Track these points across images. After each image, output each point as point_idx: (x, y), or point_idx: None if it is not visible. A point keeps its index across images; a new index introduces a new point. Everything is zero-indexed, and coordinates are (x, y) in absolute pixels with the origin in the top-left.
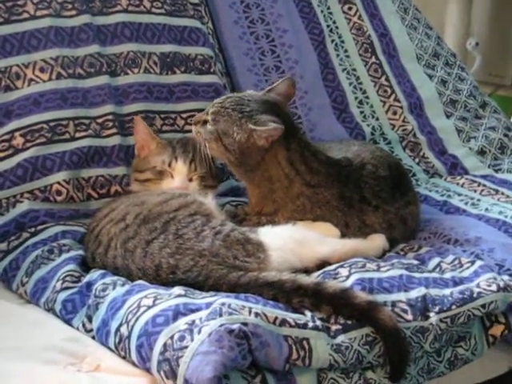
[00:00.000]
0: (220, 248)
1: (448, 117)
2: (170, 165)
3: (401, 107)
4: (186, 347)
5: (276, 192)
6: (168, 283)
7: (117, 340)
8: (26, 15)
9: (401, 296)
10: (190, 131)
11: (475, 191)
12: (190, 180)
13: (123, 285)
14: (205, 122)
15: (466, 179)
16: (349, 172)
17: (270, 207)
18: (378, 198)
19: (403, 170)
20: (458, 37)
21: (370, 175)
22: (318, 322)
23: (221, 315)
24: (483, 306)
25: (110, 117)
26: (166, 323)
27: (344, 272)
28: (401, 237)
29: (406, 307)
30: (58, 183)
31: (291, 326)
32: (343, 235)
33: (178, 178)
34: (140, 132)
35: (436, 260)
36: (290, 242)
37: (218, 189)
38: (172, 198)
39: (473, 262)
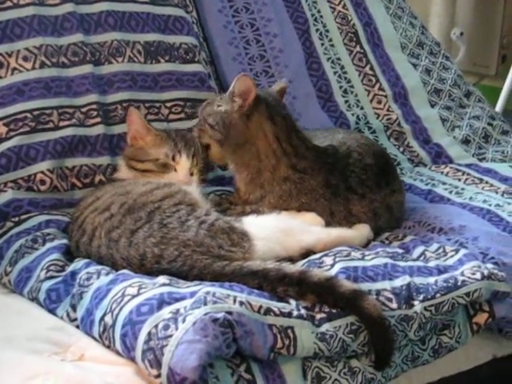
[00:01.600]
0: (205, 237)
1: (432, 106)
2: (173, 158)
3: (385, 96)
4: (171, 336)
5: (263, 173)
6: (152, 273)
7: (101, 329)
8: (9, 3)
9: (385, 284)
10: (174, 120)
11: (459, 180)
12: (191, 174)
13: (107, 274)
14: None
15: (451, 168)
16: (335, 160)
17: (258, 193)
18: (364, 187)
19: (388, 158)
20: (442, 27)
21: (356, 163)
22: (303, 311)
23: (205, 304)
24: (467, 294)
25: (94, 106)
26: (150, 312)
27: (329, 261)
28: (386, 225)
29: (390, 296)
30: (42, 172)
31: (276, 314)
32: (328, 224)
33: (182, 171)
34: (134, 123)
35: (420, 248)
36: (274, 232)
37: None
38: (157, 188)
39: (457, 251)
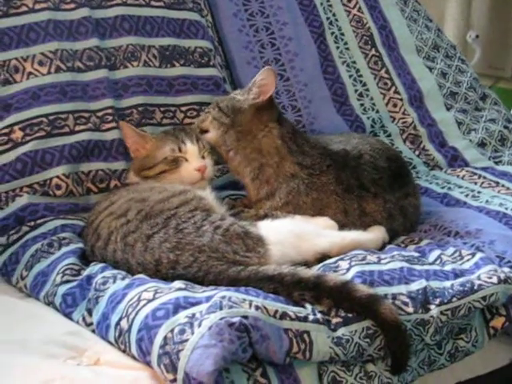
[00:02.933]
0: (220, 243)
1: (448, 109)
2: (180, 150)
3: (401, 99)
4: (187, 340)
5: (266, 169)
6: (168, 278)
7: (117, 334)
8: (24, 8)
9: (401, 288)
10: (189, 124)
11: (475, 183)
12: (203, 157)
13: (123, 278)
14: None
15: (467, 171)
16: (345, 160)
17: (265, 189)
18: (377, 186)
19: (403, 163)
20: (458, 29)
21: (368, 164)
22: (319, 315)
23: (221, 308)
24: (484, 298)
25: (110, 110)
26: (166, 317)
27: (344, 265)
28: (401, 228)
29: (406, 300)
30: (58, 177)
31: (292, 319)
32: (342, 224)
33: (193, 158)
34: (129, 136)
35: (436, 252)
36: (289, 236)
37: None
38: (173, 196)
39: (473, 254)
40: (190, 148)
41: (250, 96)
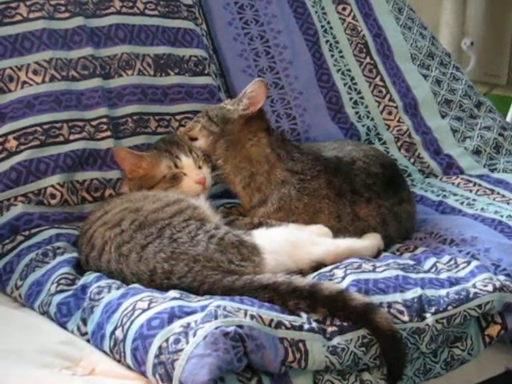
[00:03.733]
0: (214, 252)
1: (443, 117)
2: (176, 166)
3: (396, 107)
4: (181, 350)
5: (257, 178)
6: (162, 288)
7: (112, 343)
8: (18, 17)
9: (397, 297)
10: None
11: (471, 191)
12: (200, 167)
13: (118, 288)
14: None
15: (462, 179)
16: (338, 166)
17: (257, 196)
18: (370, 191)
19: (397, 170)
20: (452, 36)
21: (360, 169)
22: (314, 324)
23: (216, 318)
24: (479, 306)
25: (104, 119)
26: (161, 326)
27: (339, 273)
28: (395, 235)
29: (402, 308)
30: (52, 186)
31: (287, 328)
32: (336, 229)
33: (191, 171)
34: (125, 160)
35: (432, 260)
36: (284, 245)
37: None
38: (167, 205)
39: (469, 262)
40: (186, 162)
41: (240, 107)
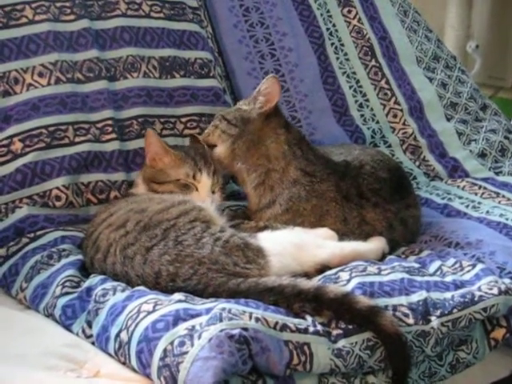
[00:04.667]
0: (220, 255)
1: (448, 120)
2: (194, 177)
3: (401, 110)
4: (186, 353)
5: (272, 174)
6: (167, 291)
7: (117, 346)
8: (24, 20)
9: (402, 300)
10: (189, 135)
11: (476, 194)
12: (213, 192)
13: (123, 290)
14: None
15: (467, 182)
16: (346, 169)
17: (268, 196)
18: (377, 196)
19: (404, 174)
20: (458, 39)
21: (368, 174)
22: (319, 327)
23: (221, 320)
24: (484, 309)
25: (110, 122)
26: (166, 329)
27: (345, 276)
28: (401, 239)
29: (407, 311)
30: (57, 188)
31: (292, 330)
32: (342, 232)
33: (204, 190)
34: (152, 145)
35: (437, 263)
36: (289, 247)
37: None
38: (172, 206)
39: (474, 266)
40: (205, 180)
41: (257, 105)
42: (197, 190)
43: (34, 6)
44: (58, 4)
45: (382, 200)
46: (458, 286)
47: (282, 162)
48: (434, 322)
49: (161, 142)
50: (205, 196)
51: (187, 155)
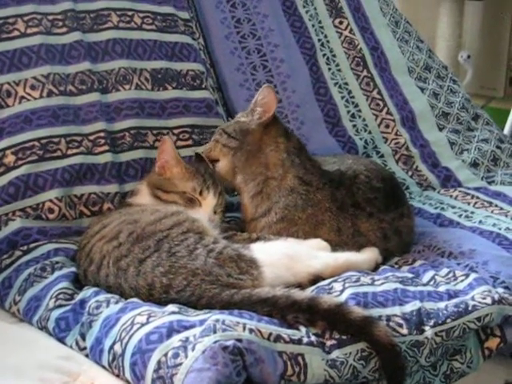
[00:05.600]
0: (213, 266)
1: (440, 129)
2: (201, 193)
3: (393, 120)
4: (180, 364)
5: (270, 182)
6: (161, 303)
7: (110, 358)
8: (16, 33)
9: (396, 310)
10: (182, 147)
11: (469, 203)
12: (215, 212)
13: (117, 302)
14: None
15: (460, 192)
16: (341, 179)
17: (264, 205)
18: (372, 206)
19: (397, 184)
20: (449, 50)
21: (363, 183)
22: (313, 338)
23: (215, 332)
24: (478, 319)
25: (102, 134)
26: (159, 340)
27: (338, 286)
28: (395, 249)
29: (400, 321)
30: (50, 201)
31: (286, 341)
32: (335, 243)
33: (207, 208)
34: (165, 153)
35: (430, 273)
36: (282, 258)
37: None
38: (165, 217)
39: (467, 275)
40: (210, 198)
41: (255, 116)
42: (200, 206)
43: (26, 19)
44: (50, 17)
45: (376, 210)
46: (451, 295)
47: (281, 170)
48: (428, 331)
49: (174, 151)
50: (208, 214)
51: (197, 171)
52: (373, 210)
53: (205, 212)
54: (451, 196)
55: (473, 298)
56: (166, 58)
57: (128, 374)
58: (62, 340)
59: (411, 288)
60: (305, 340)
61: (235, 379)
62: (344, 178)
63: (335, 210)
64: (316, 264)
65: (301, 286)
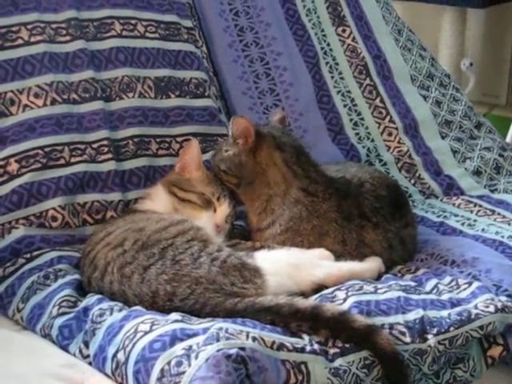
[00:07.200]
0: (217, 275)
1: (443, 137)
2: (218, 199)
3: (396, 128)
4: (184, 373)
5: (274, 199)
6: (164, 310)
7: (114, 366)
8: (20, 41)
9: (398, 318)
10: None
11: (471, 212)
12: (226, 222)
13: (120, 310)
14: None
15: (462, 200)
16: (347, 188)
17: (269, 219)
18: (379, 215)
19: (401, 192)
20: (452, 57)
21: (369, 192)
22: (316, 346)
23: (218, 340)
24: (481, 327)
25: (105, 142)
26: (163, 348)
27: (341, 295)
28: (399, 259)
29: (403, 329)
30: (54, 209)
31: (289, 350)
32: (339, 254)
33: (221, 215)
34: (189, 156)
35: (433, 281)
36: (285, 266)
37: None
38: (170, 225)
39: (470, 283)
40: (225, 207)
41: (240, 147)
42: (215, 211)
43: (29, 27)
44: (54, 25)
45: (382, 219)
46: (454, 304)
47: (283, 186)
48: (431, 340)
49: (199, 155)
50: (219, 220)
51: (216, 180)
52: (379, 219)
53: (219, 218)
54: (454, 204)
55: (476, 307)
56: (169, 66)
57: (131, 382)
58: (65, 348)
59: (414, 296)
60: (308, 348)
61: None
62: (350, 187)
63: (341, 221)
64: (319, 273)
65: (304, 294)
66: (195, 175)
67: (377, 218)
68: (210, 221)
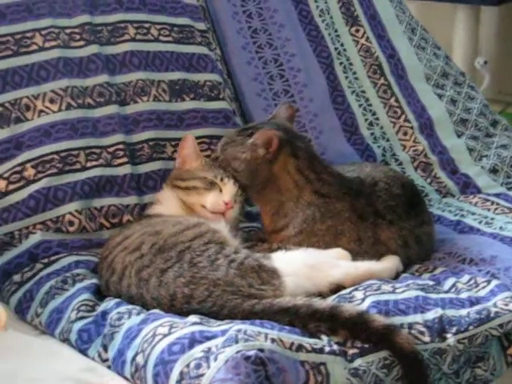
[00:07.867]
0: (235, 277)
1: (459, 136)
2: (222, 180)
3: (411, 128)
4: (203, 375)
5: (286, 204)
6: (182, 313)
7: (133, 369)
8: (34, 47)
9: (417, 317)
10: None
11: (489, 210)
12: (235, 201)
13: (138, 314)
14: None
15: (479, 198)
16: (361, 187)
17: (282, 221)
18: (393, 213)
19: (417, 190)
20: (466, 56)
21: (383, 191)
22: (335, 347)
23: (237, 342)
24: (501, 325)
25: (121, 146)
26: (181, 351)
27: (359, 295)
28: (416, 257)
29: (422, 329)
30: (70, 213)
31: (308, 351)
32: (356, 253)
33: (228, 194)
34: (186, 148)
35: (451, 280)
36: (303, 267)
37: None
38: (187, 228)
39: (489, 282)
40: (231, 186)
41: (260, 155)
42: (221, 191)
43: (43, 33)
44: (68, 30)
45: (397, 217)
46: (473, 302)
47: (295, 191)
48: (450, 339)
49: (196, 146)
50: (228, 198)
51: (217, 165)
52: (393, 217)
53: (226, 196)
54: (471, 203)
55: (495, 305)
56: (183, 69)
57: None
58: (84, 352)
59: (433, 295)
60: (327, 349)
61: None
62: (364, 186)
63: (355, 220)
64: (337, 273)
65: (322, 295)
66: (195, 165)
67: (391, 216)
68: (218, 201)
